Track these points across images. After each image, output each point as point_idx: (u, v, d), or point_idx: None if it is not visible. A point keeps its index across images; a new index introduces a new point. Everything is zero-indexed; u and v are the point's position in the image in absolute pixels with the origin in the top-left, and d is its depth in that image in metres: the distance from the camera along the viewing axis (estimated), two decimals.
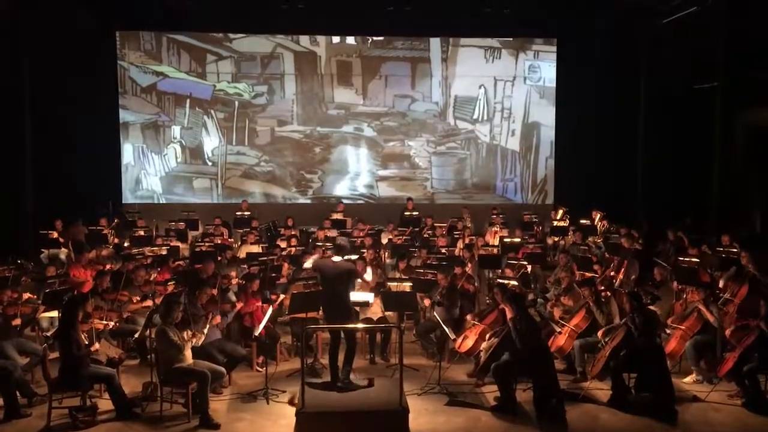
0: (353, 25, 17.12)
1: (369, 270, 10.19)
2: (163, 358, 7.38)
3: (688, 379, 8.42)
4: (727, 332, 8.08)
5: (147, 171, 17.57)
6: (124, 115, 17.36)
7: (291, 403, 7.65)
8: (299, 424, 6.94)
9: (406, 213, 14.95)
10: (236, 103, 17.59)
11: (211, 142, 17.71)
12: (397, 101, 17.81)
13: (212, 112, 17.62)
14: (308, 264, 8.76)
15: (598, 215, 14.61)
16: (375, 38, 17.57)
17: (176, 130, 17.61)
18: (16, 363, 7.68)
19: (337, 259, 7.94)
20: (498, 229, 13.93)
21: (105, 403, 7.51)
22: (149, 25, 17.00)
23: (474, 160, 18.03)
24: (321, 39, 17.51)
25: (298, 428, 6.95)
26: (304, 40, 17.51)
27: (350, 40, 17.61)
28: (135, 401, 7.61)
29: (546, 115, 17.96)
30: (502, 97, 17.97)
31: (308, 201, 17.82)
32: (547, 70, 17.85)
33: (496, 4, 15.81)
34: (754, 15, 13.50)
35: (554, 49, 17.74)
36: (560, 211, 15.38)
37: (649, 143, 16.47)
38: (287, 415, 7.33)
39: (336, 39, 17.58)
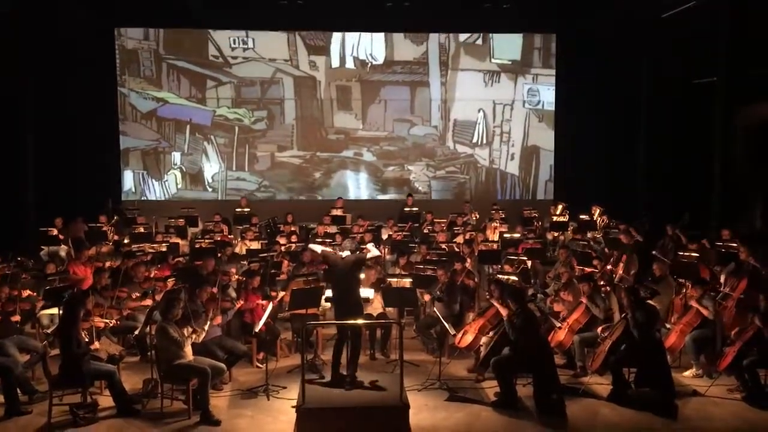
0: (353, 21, 17.07)
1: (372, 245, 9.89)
2: (163, 354, 7.39)
3: (687, 374, 8.43)
4: (733, 332, 8.08)
5: (147, 197, 17.51)
6: (124, 142, 17.35)
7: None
8: (300, 419, 6.94)
9: (405, 209, 14.95)
10: (236, 128, 17.59)
11: (212, 168, 17.68)
12: (397, 125, 17.83)
13: (212, 137, 17.63)
14: (317, 248, 8.64)
15: (598, 210, 14.62)
16: (374, 62, 17.59)
17: (176, 156, 17.60)
18: (17, 360, 7.69)
19: (344, 254, 7.91)
20: (498, 224, 13.94)
21: (106, 400, 7.52)
22: (149, 20, 16.95)
23: (473, 184, 18.02)
24: (320, 64, 17.54)
25: (298, 424, 6.96)
26: (304, 64, 17.53)
27: (350, 64, 17.61)
28: (135, 398, 7.61)
29: (545, 139, 17.98)
30: (501, 120, 18.00)
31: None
32: (546, 94, 17.86)
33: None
34: (754, 11, 13.48)
35: (553, 72, 17.76)
36: (560, 207, 15.40)
37: (649, 138, 16.46)
38: (288, 411, 7.34)
39: (335, 63, 17.59)
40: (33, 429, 7.08)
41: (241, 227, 13.85)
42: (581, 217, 14.25)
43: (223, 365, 7.74)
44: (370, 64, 17.62)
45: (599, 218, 14.36)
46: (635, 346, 7.63)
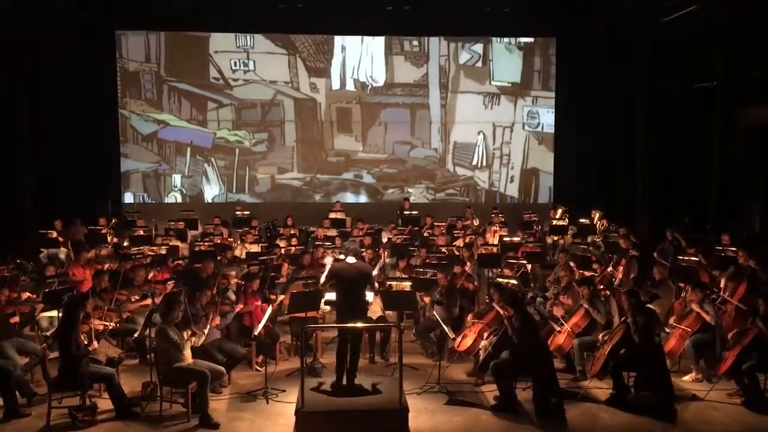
0: (353, 24, 17.12)
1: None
2: (162, 357, 7.38)
3: (687, 378, 8.42)
4: (730, 335, 8.08)
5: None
6: (125, 164, 17.40)
7: None
8: (299, 423, 6.93)
9: (405, 212, 14.95)
10: (237, 150, 17.66)
11: (212, 190, 17.73)
12: (397, 148, 17.89)
13: (213, 159, 17.70)
14: (323, 279, 8.50)
15: (597, 214, 14.62)
16: (374, 84, 17.67)
17: (177, 179, 17.64)
18: (16, 363, 7.66)
19: (351, 260, 7.83)
20: (498, 228, 13.93)
21: (104, 403, 7.50)
22: (148, 24, 16.97)
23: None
24: (321, 86, 17.62)
25: (297, 428, 6.95)
26: (304, 86, 17.59)
27: (350, 86, 17.70)
28: (134, 401, 7.60)
29: (545, 162, 18.01)
30: (501, 143, 18.06)
31: (307, 200, 17.79)
32: (546, 116, 17.91)
33: (496, 3, 15.81)
34: (754, 14, 13.51)
35: (553, 95, 17.82)
36: (559, 210, 15.40)
37: (648, 142, 16.47)
38: (287, 414, 7.32)
39: (336, 85, 17.68)
40: None
41: (240, 230, 13.85)
42: (581, 220, 14.25)
43: (222, 368, 7.73)
44: (370, 86, 17.73)
45: (599, 222, 14.37)
46: (635, 350, 7.62)
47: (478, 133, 17.97)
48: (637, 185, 16.79)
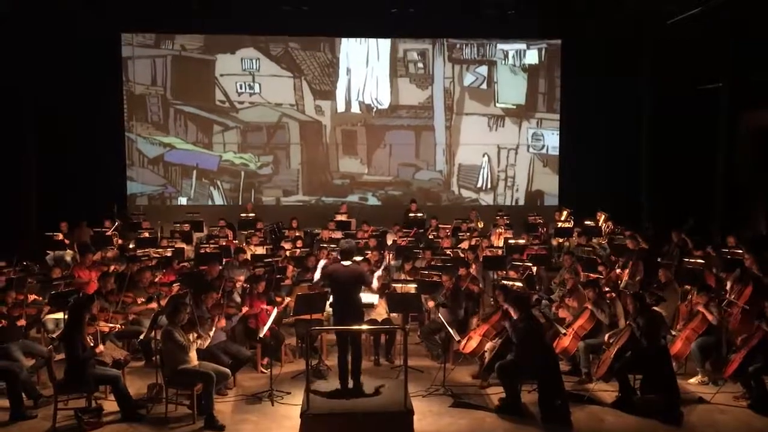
0: (357, 27, 17.12)
1: (376, 277, 9.85)
2: (168, 359, 7.39)
3: (693, 381, 8.40)
4: (739, 340, 8.05)
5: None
6: (131, 187, 17.43)
7: None
8: (304, 425, 6.93)
9: (410, 215, 14.95)
10: (242, 173, 17.64)
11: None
12: (402, 170, 17.84)
13: (218, 182, 17.70)
14: (317, 276, 8.54)
15: (603, 216, 14.60)
16: (380, 107, 17.68)
17: (182, 201, 17.63)
18: (22, 364, 7.70)
19: (347, 263, 7.86)
20: (503, 230, 13.92)
21: (110, 405, 7.52)
22: (153, 25, 17.02)
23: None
24: (326, 108, 17.62)
25: (303, 430, 6.95)
26: (310, 109, 17.61)
27: (355, 108, 17.71)
28: (140, 403, 7.62)
29: (549, 184, 17.98)
30: (506, 165, 18.01)
31: (312, 202, 17.81)
32: (551, 138, 17.88)
33: (500, 5, 15.80)
34: (759, 16, 13.48)
35: (557, 117, 17.77)
36: (565, 213, 15.38)
37: (653, 144, 16.44)
38: (292, 416, 7.33)
39: (341, 108, 17.68)
40: None
41: (245, 232, 13.87)
42: (586, 223, 14.23)
43: (227, 370, 7.74)
44: (375, 108, 17.73)
45: (604, 224, 14.36)
46: (641, 353, 7.61)
47: (483, 156, 17.95)
48: (642, 187, 16.75)
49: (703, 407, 7.75)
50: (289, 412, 7.52)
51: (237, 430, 7.18)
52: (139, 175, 17.47)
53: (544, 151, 17.96)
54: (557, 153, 17.86)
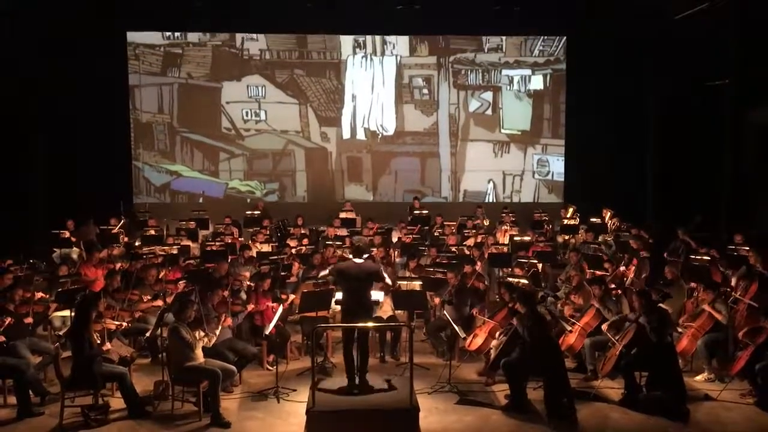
0: (363, 25, 17.11)
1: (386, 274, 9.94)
2: (174, 356, 7.41)
3: (699, 378, 8.38)
4: (740, 334, 8.03)
5: None
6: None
7: None
8: (310, 422, 6.95)
9: (415, 212, 14.94)
10: (248, 200, 17.57)
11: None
12: (407, 196, 17.74)
13: None
14: (324, 272, 8.53)
15: (609, 213, 14.56)
16: (385, 133, 17.73)
17: None
18: (29, 362, 7.73)
19: (359, 260, 7.85)
20: (508, 227, 13.91)
21: (117, 402, 7.56)
22: (159, 25, 17.04)
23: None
24: (332, 135, 17.68)
25: (308, 427, 6.97)
26: (315, 136, 17.66)
27: (360, 135, 17.73)
28: (146, 400, 7.64)
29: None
30: (511, 191, 18.00)
31: (317, 200, 17.80)
32: (556, 164, 17.84)
33: (507, 2, 15.78)
34: (766, 11, 13.41)
35: (563, 143, 17.72)
36: (570, 210, 15.35)
37: (659, 140, 16.38)
38: (298, 413, 7.34)
39: (347, 134, 17.72)
40: (45, 430, 7.13)
41: (251, 230, 13.88)
42: (592, 220, 14.20)
43: (233, 367, 7.76)
44: (380, 134, 17.73)
45: (610, 221, 14.32)
46: (647, 350, 7.59)
47: (488, 182, 17.96)
48: (647, 184, 16.70)
49: (709, 404, 7.73)
50: (294, 409, 7.54)
51: (243, 427, 7.20)
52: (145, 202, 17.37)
53: (549, 177, 17.94)
54: (562, 179, 17.81)
